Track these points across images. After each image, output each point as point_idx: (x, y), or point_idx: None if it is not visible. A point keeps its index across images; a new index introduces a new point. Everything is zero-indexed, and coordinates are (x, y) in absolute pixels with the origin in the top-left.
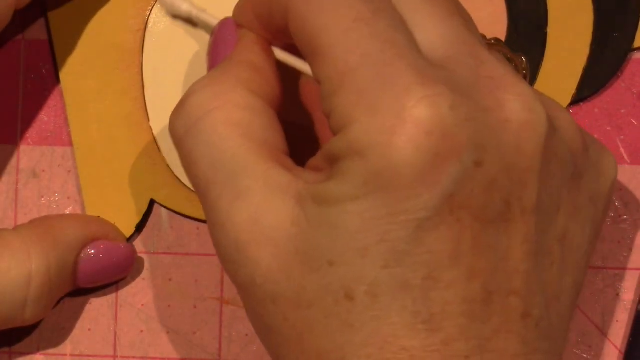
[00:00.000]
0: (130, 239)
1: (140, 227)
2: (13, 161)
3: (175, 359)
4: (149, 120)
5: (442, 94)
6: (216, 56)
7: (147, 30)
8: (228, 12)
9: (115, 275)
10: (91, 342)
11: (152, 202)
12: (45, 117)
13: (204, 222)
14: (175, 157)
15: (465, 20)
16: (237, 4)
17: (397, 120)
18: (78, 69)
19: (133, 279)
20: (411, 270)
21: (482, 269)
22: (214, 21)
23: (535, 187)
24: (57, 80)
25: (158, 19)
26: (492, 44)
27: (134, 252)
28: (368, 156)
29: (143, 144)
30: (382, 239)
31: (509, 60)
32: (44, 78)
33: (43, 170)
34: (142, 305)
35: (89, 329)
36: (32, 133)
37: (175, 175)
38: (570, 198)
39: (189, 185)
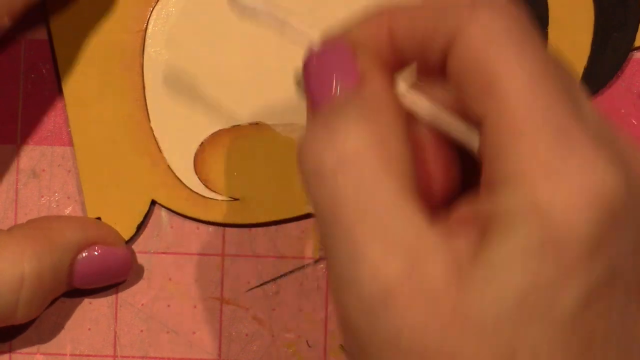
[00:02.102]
0: (130, 240)
1: (140, 228)
2: (13, 161)
3: (175, 359)
4: (149, 121)
5: (617, 170)
6: (325, 87)
7: (148, 30)
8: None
9: (112, 279)
10: (91, 342)
11: (152, 203)
12: (45, 117)
13: (203, 222)
14: (176, 158)
15: None
16: (364, 18)
17: (581, 188)
18: (78, 69)
19: (133, 279)
20: (574, 337)
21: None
22: (308, 35)
23: None
24: (57, 80)
25: (159, 20)
26: None
27: (132, 256)
28: (548, 219)
29: (144, 145)
30: (548, 305)
31: None
32: (44, 78)
33: (43, 170)
34: (142, 305)
35: (89, 329)
36: (32, 133)
37: (176, 176)
38: None
39: (190, 186)
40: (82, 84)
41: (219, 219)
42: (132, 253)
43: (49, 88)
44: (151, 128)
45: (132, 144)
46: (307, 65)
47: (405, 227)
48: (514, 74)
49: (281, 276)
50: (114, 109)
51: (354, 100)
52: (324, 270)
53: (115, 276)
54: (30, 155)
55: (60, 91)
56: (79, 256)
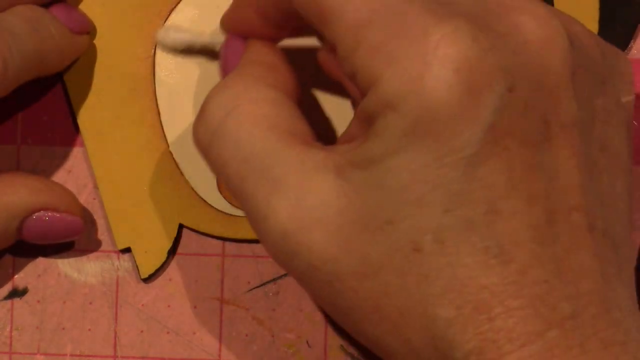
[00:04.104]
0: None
1: (171, 253)
2: (13, 161)
3: (175, 359)
4: (168, 146)
5: (460, 29)
6: (228, 67)
7: (157, 55)
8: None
9: (61, 240)
10: (91, 342)
11: (180, 227)
12: (45, 117)
13: (233, 240)
14: (199, 179)
15: None
16: (232, 8)
17: (422, 64)
18: (91, 102)
19: (133, 279)
20: (471, 208)
21: (539, 190)
22: (219, 39)
23: (568, 101)
24: (58, 80)
25: None
26: None
27: (80, 225)
28: (401, 107)
29: (165, 170)
30: (434, 185)
31: None
32: (44, 78)
33: (43, 170)
34: (142, 305)
35: (89, 329)
36: (32, 133)
37: (200, 198)
38: (601, 106)
39: (216, 205)
40: (97, 116)
41: (248, 235)
42: (80, 222)
43: (49, 88)
44: (170, 152)
45: (153, 170)
46: (221, 52)
47: (284, 162)
48: None
49: (281, 276)
50: (131, 137)
51: (239, 67)
52: None
53: (64, 238)
54: (30, 155)
55: (59, 91)
56: (27, 219)
